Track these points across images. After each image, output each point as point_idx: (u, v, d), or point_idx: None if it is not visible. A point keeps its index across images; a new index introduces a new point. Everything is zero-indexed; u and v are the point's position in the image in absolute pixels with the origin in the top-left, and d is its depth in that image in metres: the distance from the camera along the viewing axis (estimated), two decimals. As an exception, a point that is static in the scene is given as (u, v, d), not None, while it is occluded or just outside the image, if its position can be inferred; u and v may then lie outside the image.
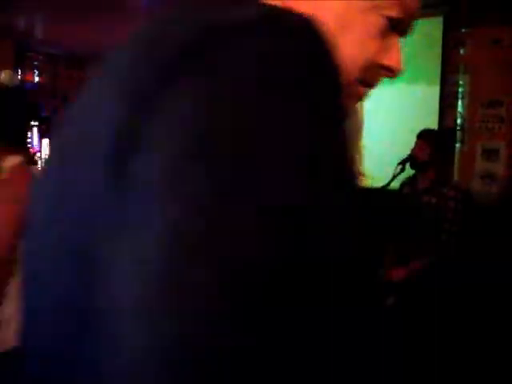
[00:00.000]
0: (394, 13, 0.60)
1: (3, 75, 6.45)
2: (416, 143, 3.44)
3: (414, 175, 3.53)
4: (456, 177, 4.90)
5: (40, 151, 7.58)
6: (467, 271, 3.67)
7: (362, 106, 5.38)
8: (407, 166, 3.43)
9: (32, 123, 7.45)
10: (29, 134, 7.35)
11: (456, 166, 4.97)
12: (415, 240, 3.39)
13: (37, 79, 7.50)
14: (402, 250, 3.50)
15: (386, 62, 0.67)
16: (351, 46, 0.59)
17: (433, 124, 4.57)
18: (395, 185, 3.54)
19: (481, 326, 3.54)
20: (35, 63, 7.46)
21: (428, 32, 4.95)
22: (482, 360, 3.27)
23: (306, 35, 0.41)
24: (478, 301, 3.82)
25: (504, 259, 3.97)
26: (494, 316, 3.57)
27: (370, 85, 0.71)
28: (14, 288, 1.91)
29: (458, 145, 4.98)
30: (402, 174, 3.47)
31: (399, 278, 3.34)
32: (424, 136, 3.43)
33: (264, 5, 0.46)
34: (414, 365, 2.99)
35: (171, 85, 0.38)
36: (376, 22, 0.59)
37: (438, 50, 4.86)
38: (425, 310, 3.23)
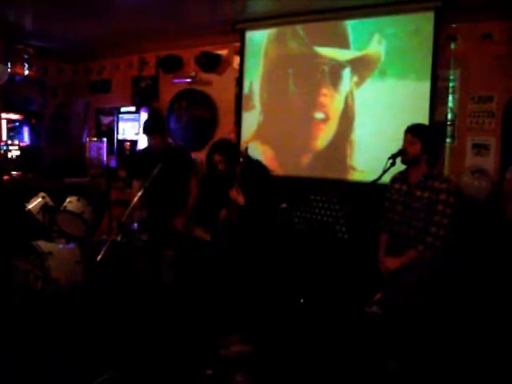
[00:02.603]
0: None
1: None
2: (406, 138, 3.43)
3: (406, 170, 3.53)
4: (446, 171, 4.92)
5: (30, 145, 7.53)
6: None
7: (353, 101, 5.39)
8: (397, 160, 3.43)
9: (22, 117, 7.41)
10: (19, 128, 7.31)
11: (446, 160, 4.99)
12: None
13: (26, 72, 7.43)
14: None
15: None
16: None
17: (423, 119, 4.59)
18: (385, 179, 3.55)
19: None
20: (25, 56, 7.39)
21: (419, 27, 4.96)
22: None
23: None
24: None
25: (492, 252, 4.01)
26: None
27: None
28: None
29: (448, 140, 5.00)
30: (392, 168, 3.47)
31: (392, 268, 3.36)
32: (414, 131, 3.43)
33: None
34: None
35: None
36: None
37: (429, 45, 4.86)
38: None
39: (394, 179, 3.63)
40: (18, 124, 7.47)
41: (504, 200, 3.94)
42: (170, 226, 4.46)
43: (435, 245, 3.24)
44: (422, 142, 3.38)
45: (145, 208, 4.42)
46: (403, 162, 3.45)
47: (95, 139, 7.90)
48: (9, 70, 6.97)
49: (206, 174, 4.41)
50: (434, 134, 3.81)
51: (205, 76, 6.72)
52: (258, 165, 4.29)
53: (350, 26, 5.42)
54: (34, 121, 7.66)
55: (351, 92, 5.43)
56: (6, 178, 6.38)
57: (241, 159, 3.99)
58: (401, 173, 3.59)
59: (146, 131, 4.59)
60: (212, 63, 6.50)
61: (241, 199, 3.94)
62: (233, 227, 4.11)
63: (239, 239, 4.07)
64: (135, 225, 4.40)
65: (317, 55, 5.67)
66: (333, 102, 5.57)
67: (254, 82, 6.22)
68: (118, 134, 7.55)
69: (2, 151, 7.00)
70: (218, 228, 4.29)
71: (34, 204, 5.09)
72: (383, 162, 3.39)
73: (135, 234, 4.37)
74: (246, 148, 4.09)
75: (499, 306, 3.79)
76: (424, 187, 3.36)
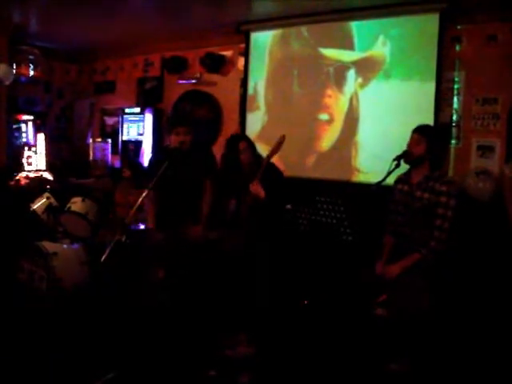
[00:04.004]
0: None
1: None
2: (413, 137, 3.44)
3: (409, 170, 3.53)
4: (451, 173, 4.91)
5: (35, 145, 7.55)
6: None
7: (357, 102, 5.39)
8: (402, 162, 3.43)
9: (26, 118, 7.42)
10: (24, 129, 7.33)
11: (451, 162, 4.98)
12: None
13: (32, 73, 7.45)
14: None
15: None
16: None
17: (428, 120, 4.57)
18: (390, 181, 3.55)
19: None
20: (30, 57, 7.41)
21: (424, 28, 4.95)
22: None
23: None
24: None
25: (495, 254, 4.00)
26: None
27: None
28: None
29: (453, 141, 4.99)
30: (398, 169, 3.47)
31: (392, 274, 3.35)
32: (421, 131, 3.43)
33: None
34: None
35: None
36: None
37: (434, 47, 4.86)
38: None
39: (398, 180, 3.64)
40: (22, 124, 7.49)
41: (506, 201, 3.92)
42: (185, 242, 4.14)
43: (438, 249, 3.24)
44: (427, 142, 3.38)
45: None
46: (406, 162, 3.46)
47: (100, 140, 7.92)
48: (14, 70, 6.99)
49: (220, 172, 4.32)
50: (440, 135, 3.80)
51: (209, 77, 6.73)
52: (272, 165, 4.30)
53: (355, 27, 5.42)
54: (38, 122, 7.67)
55: (356, 93, 5.42)
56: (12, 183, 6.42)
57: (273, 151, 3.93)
58: (405, 174, 3.60)
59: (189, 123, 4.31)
60: (217, 64, 6.51)
61: (262, 193, 3.91)
62: (240, 224, 4.10)
63: (247, 235, 4.06)
64: (141, 225, 4.38)
65: (321, 56, 5.66)
66: (337, 104, 5.57)
67: (258, 83, 6.22)
68: (122, 134, 7.56)
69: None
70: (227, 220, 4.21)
71: (38, 204, 5.10)
72: (388, 163, 3.40)
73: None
74: (283, 137, 3.95)
75: (503, 308, 3.78)
76: (424, 188, 3.37)
